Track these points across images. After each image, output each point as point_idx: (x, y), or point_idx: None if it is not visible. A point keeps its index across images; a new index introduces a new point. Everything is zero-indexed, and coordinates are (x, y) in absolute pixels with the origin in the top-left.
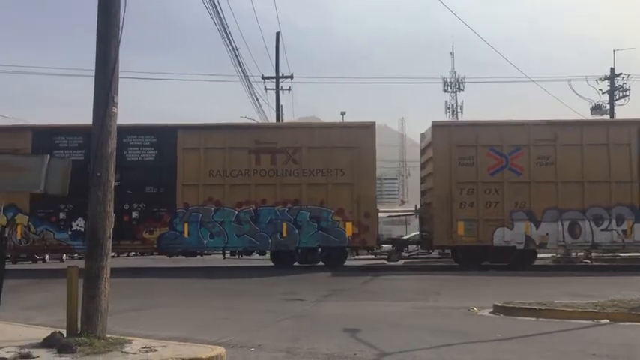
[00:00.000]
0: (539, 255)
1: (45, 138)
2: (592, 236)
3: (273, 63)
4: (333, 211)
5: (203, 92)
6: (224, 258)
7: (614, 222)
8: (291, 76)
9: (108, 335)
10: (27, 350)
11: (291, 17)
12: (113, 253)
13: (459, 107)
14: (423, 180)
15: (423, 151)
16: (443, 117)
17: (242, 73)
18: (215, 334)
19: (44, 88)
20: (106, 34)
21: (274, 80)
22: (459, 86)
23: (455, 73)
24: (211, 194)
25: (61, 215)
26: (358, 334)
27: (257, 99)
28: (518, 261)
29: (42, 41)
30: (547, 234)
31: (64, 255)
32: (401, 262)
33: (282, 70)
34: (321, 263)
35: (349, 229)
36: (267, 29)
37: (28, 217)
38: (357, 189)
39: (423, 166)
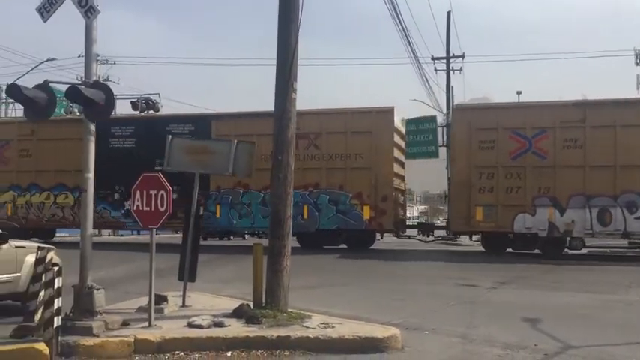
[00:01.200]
0: (588, 243)
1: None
2: (624, 224)
3: (444, 43)
4: (351, 195)
5: (373, 77)
6: (244, 239)
7: None
8: (463, 56)
9: (289, 309)
10: (219, 319)
11: None
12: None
13: None
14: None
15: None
16: (634, 93)
17: (412, 55)
18: (388, 316)
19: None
20: (286, 22)
21: (445, 61)
22: None
23: None
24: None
25: (116, 196)
26: (539, 325)
27: (427, 80)
28: (548, 249)
29: (226, 35)
30: (573, 221)
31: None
32: (584, 250)
33: (453, 50)
34: (343, 246)
35: (366, 212)
36: (438, 8)
37: None
38: (375, 173)
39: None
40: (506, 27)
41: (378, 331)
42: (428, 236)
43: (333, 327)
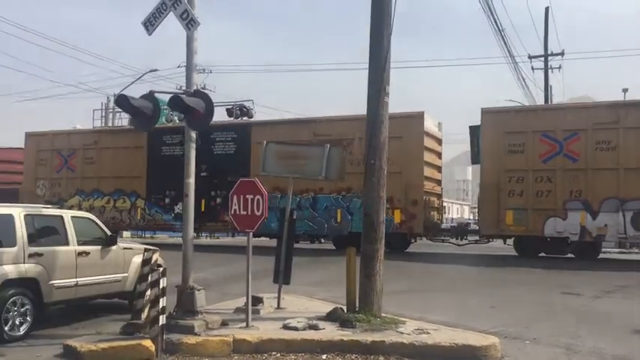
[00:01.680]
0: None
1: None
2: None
3: (542, 41)
4: None
5: (464, 77)
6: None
7: None
8: (562, 54)
9: (383, 314)
10: (314, 322)
11: None
12: (206, 234)
13: None
14: None
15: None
16: None
17: (508, 53)
18: (485, 323)
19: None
20: (378, 26)
21: (542, 59)
22: None
23: None
24: (277, 182)
25: (167, 200)
26: None
27: (524, 80)
28: (581, 253)
29: (317, 41)
30: (606, 225)
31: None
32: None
33: (552, 48)
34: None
35: (397, 216)
36: (535, 5)
37: (144, 201)
38: (405, 177)
39: None
40: (608, 22)
41: (476, 339)
42: (461, 239)
43: (428, 333)
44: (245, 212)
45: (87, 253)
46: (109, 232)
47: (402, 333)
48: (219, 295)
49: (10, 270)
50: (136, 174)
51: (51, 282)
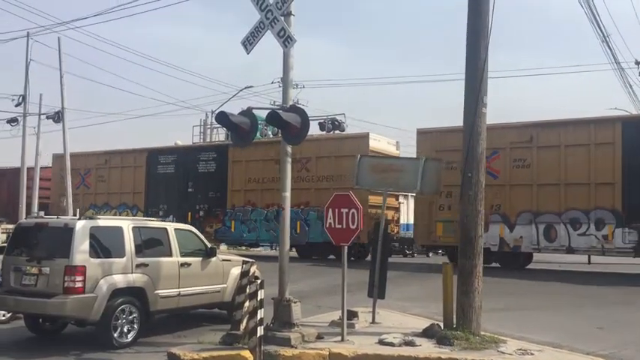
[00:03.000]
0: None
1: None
2: (568, 240)
3: None
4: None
5: (565, 85)
6: (246, 249)
7: (592, 226)
8: None
9: (482, 332)
10: (410, 338)
11: None
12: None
13: None
14: None
15: None
16: None
17: (613, 60)
18: (592, 345)
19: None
20: (476, 38)
21: None
22: None
23: None
24: (249, 197)
25: (160, 213)
26: None
27: (630, 87)
28: (508, 263)
29: (410, 53)
30: (521, 237)
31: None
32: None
33: None
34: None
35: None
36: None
37: (142, 213)
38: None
39: None
40: None
41: None
42: (410, 250)
43: (532, 354)
44: (340, 226)
45: (188, 265)
46: (209, 244)
47: (503, 353)
48: (314, 307)
49: (120, 280)
50: (137, 190)
51: (156, 291)
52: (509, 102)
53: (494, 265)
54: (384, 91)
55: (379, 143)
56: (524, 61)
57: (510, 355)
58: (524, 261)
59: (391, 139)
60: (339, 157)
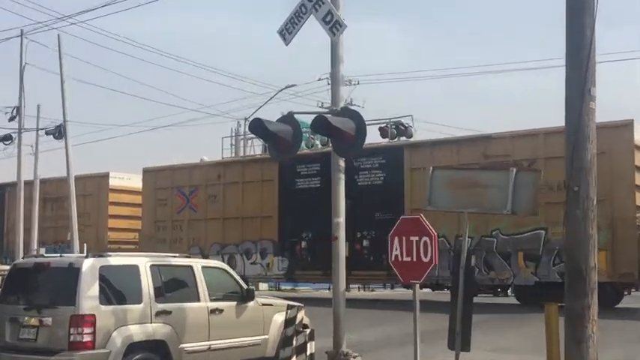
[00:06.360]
0: None
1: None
2: (244, 269)
3: None
4: None
5: None
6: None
7: (259, 255)
8: None
9: None
10: None
11: None
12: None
13: None
14: None
15: None
16: None
17: None
18: None
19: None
20: (578, 14)
21: None
22: None
23: None
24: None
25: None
26: None
27: None
28: None
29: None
30: None
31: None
32: None
33: None
34: None
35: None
36: None
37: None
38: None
39: None
40: None
41: None
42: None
43: None
44: (409, 258)
45: (220, 311)
46: (245, 285)
47: None
48: None
49: (136, 331)
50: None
51: (181, 345)
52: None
53: None
54: (463, 86)
55: None
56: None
57: None
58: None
59: None
60: None
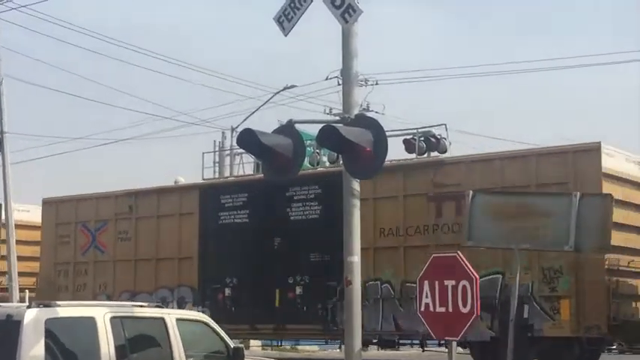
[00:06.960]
0: None
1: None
2: None
3: None
4: None
5: None
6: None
7: (176, 305)
8: None
9: None
10: None
11: None
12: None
13: None
14: None
15: None
16: None
17: None
18: None
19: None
20: None
21: None
22: None
23: None
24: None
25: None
26: None
27: None
28: None
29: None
30: None
31: None
32: None
33: None
34: None
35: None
36: None
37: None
38: None
39: None
40: None
41: None
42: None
43: None
44: (444, 309)
45: None
46: (231, 344)
47: None
48: None
49: None
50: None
51: None
52: None
53: None
54: (509, 86)
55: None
56: None
57: None
58: None
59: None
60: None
